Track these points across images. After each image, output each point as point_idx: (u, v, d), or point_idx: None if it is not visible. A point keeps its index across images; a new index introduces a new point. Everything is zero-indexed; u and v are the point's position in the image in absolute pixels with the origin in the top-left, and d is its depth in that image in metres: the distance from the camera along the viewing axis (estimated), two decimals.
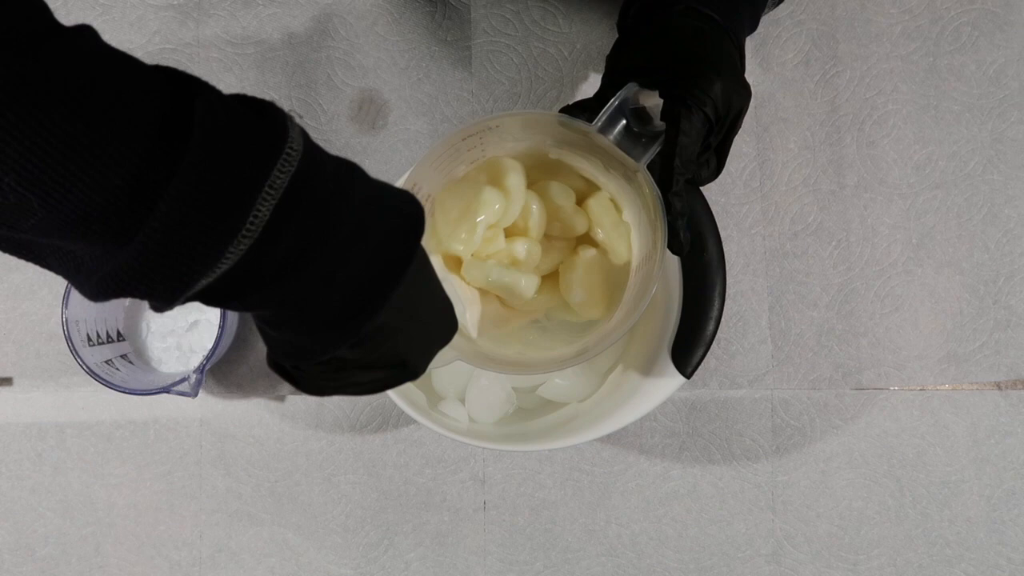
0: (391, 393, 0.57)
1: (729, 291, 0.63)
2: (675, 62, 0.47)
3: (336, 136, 0.71)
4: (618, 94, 0.46)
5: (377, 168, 0.71)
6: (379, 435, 0.71)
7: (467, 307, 0.51)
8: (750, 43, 0.70)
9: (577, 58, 0.71)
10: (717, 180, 0.72)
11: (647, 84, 0.47)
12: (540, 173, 0.54)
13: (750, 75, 0.51)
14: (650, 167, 0.47)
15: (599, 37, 0.71)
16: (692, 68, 0.46)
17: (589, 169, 0.53)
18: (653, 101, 0.46)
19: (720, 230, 0.58)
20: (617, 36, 0.54)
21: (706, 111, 0.45)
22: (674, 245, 0.48)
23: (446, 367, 0.54)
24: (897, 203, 0.70)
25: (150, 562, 0.71)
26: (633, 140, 0.46)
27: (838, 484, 0.70)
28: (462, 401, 0.64)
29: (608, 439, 0.69)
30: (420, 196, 0.47)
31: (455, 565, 0.71)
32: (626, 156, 0.47)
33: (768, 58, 0.71)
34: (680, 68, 0.46)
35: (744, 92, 0.48)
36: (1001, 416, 0.70)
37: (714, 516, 0.70)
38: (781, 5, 0.64)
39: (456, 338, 0.42)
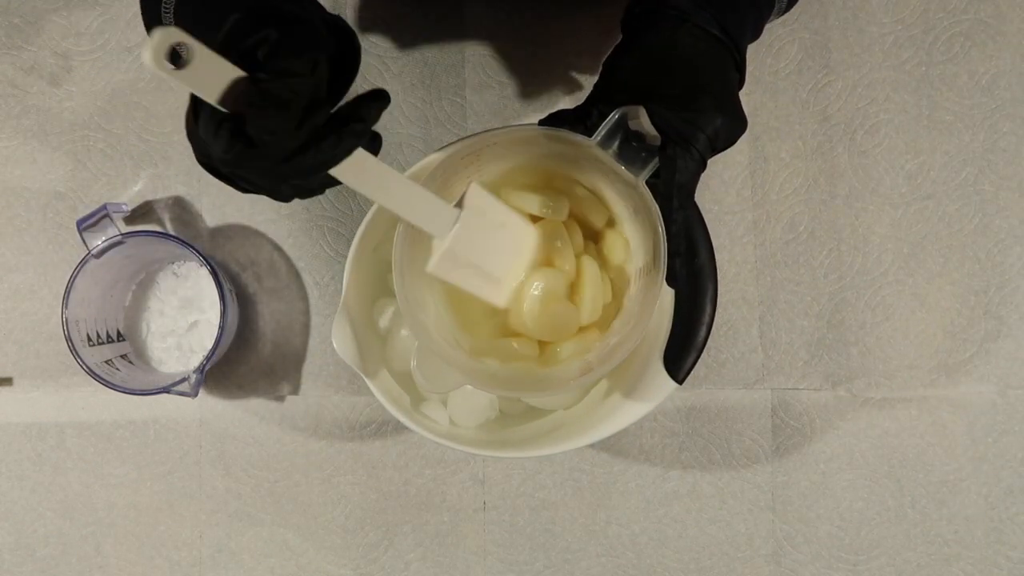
0: (375, 390, 0.57)
1: (720, 299, 0.63)
2: (674, 96, 0.46)
3: None
4: (617, 111, 0.46)
5: None
6: (379, 436, 0.71)
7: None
8: None
9: (570, 62, 0.71)
10: (709, 188, 0.72)
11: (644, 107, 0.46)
12: (539, 183, 0.55)
13: None
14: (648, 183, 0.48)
15: (592, 41, 0.70)
16: (691, 104, 0.46)
17: (588, 180, 0.53)
18: (649, 127, 0.46)
19: (712, 239, 0.58)
20: (615, 39, 0.53)
21: (702, 151, 0.46)
22: (671, 280, 0.48)
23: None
24: (888, 212, 0.71)
25: (150, 562, 0.71)
26: (632, 155, 0.46)
27: (838, 484, 0.71)
28: (444, 404, 0.63)
29: (608, 440, 0.68)
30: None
31: (455, 565, 0.71)
32: (624, 170, 0.47)
33: (760, 67, 0.71)
34: (679, 104, 0.46)
35: (741, 126, 0.48)
36: (998, 415, 0.70)
37: (714, 516, 0.71)
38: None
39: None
